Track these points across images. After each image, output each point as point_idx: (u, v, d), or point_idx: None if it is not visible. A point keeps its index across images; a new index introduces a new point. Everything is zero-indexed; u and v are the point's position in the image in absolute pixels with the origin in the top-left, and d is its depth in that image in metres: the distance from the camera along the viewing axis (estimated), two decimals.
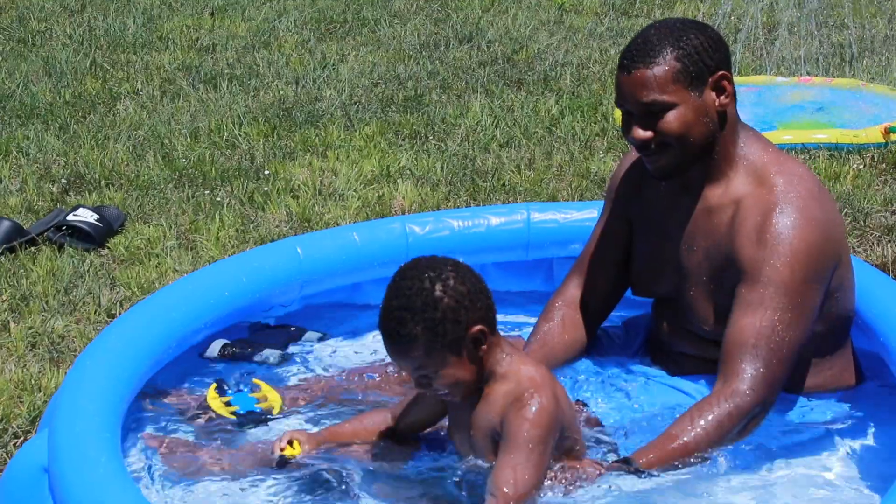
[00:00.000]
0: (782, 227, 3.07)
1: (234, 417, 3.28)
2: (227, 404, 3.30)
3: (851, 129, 5.86)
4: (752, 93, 6.70)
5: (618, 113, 6.31)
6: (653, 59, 3.09)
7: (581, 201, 4.37)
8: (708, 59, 3.12)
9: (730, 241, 3.15)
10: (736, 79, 6.80)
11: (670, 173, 3.20)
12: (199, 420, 3.29)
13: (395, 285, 2.91)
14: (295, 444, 3.05)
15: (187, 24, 8.58)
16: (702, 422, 3.03)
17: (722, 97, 3.14)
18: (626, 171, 3.48)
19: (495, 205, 4.94)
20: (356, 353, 3.78)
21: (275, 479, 3.07)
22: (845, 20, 8.23)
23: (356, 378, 3.51)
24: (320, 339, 3.76)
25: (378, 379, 3.51)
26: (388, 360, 3.03)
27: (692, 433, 3.02)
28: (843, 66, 7.27)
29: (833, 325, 3.27)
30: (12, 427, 3.63)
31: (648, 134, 3.13)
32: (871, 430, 3.30)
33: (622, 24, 8.39)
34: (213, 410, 3.30)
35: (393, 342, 2.87)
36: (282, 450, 3.03)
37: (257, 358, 3.56)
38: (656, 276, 3.40)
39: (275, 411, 3.31)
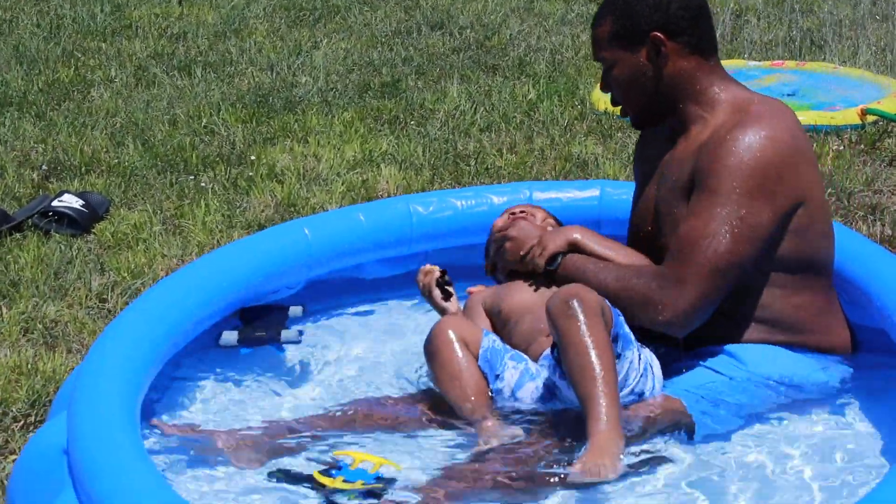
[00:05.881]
0: (741, 141, 3.15)
1: (372, 486, 2.92)
2: (346, 482, 2.93)
3: (828, 110, 5.92)
4: None
5: (595, 96, 6.34)
6: (599, 20, 3.36)
7: (582, 180, 4.37)
8: (643, 21, 3.27)
9: (696, 157, 3.24)
10: None
11: (639, 124, 3.41)
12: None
13: None
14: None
15: (155, 13, 8.52)
16: (622, 272, 3.23)
17: (659, 57, 3.27)
18: (638, 139, 3.62)
19: (499, 184, 4.94)
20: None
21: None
22: (812, 6, 8.33)
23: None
24: (304, 312, 3.71)
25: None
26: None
27: (610, 273, 3.24)
28: (814, 49, 7.34)
29: (802, 270, 3.27)
30: (11, 411, 3.60)
31: (607, 89, 3.39)
32: (866, 399, 3.35)
33: (591, 9, 8.43)
34: (340, 491, 2.92)
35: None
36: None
37: (283, 339, 3.50)
38: (642, 220, 3.44)
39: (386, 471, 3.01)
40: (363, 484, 2.86)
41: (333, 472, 2.90)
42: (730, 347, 3.29)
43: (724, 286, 3.17)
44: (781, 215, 3.19)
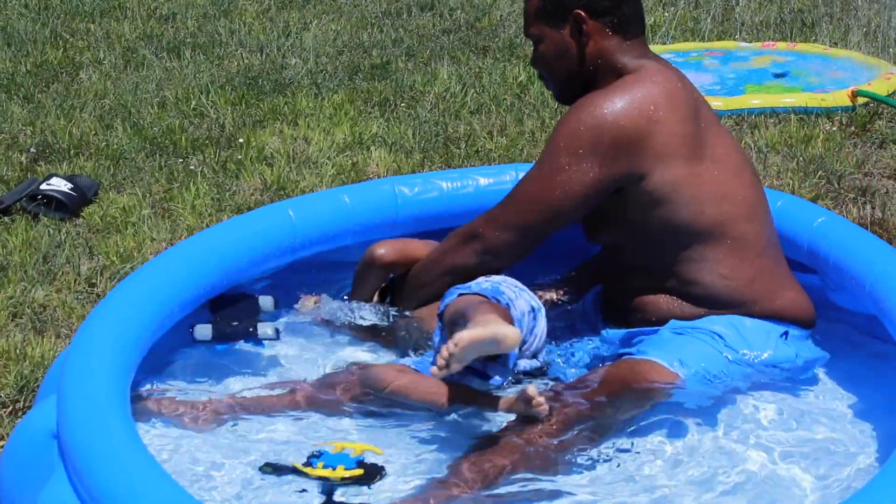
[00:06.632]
0: (587, 105, 3.27)
1: (357, 473, 2.91)
2: (326, 467, 2.93)
3: (818, 92, 5.91)
4: (716, 57, 6.75)
5: None
6: None
7: None
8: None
9: None
10: (701, 44, 6.87)
11: (561, 98, 3.49)
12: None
13: None
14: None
15: None
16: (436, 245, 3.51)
17: (581, 35, 3.35)
18: None
19: (484, 166, 4.93)
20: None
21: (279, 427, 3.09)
22: None
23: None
24: (275, 305, 3.67)
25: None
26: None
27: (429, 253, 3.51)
28: (805, 31, 7.32)
29: (704, 240, 3.28)
30: (0, 396, 3.59)
31: (534, 65, 3.50)
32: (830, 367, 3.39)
33: None
34: (331, 480, 2.89)
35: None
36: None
37: (261, 334, 3.47)
38: None
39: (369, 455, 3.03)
40: (344, 469, 2.87)
41: (313, 460, 2.91)
42: (699, 322, 3.32)
43: (539, 225, 3.35)
44: (616, 180, 3.26)
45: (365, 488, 2.86)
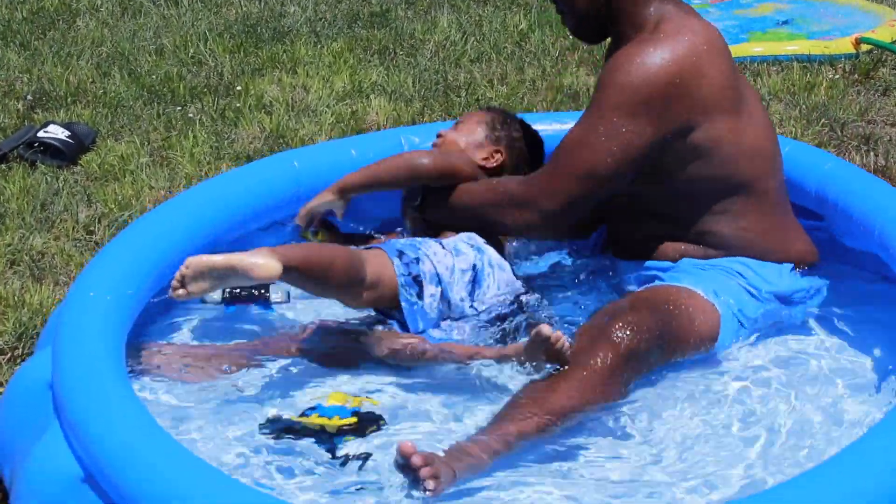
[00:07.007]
0: (635, 59, 3.14)
1: (351, 421, 2.92)
2: (321, 416, 2.94)
3: (822, 39, 5.86)
4: (719, 5, 6.69)
5: None
6: None
7: (576, 111, 4.33)
8: None
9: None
10: None
11: (579, 37, 3.39)
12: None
13: None
14: (320, 234, 3.27)
15: None
16: (484, 186, 3.35)
17: None
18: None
19: None
20: None
21: (273, 374, 3.08)
22: None
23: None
24: (287, 298, 3.63)
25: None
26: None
27: (472, 192, 3.34)
28: None
29: (732, 193, 3.26)
30: None
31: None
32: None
33: None
34: (326, 428, 2.91)
35: None
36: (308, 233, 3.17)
37: (272, 298, 3.43)
38: None
39: (364, 407, 3.02)
40: (339, 419, 2.85)
41: (309, 412, 2.89)
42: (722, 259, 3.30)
43: (592, 195, 3.22)
44: (666, 136, 3.16)
45: (364, 441, 2.84)
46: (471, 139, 3.54)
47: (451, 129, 3.60)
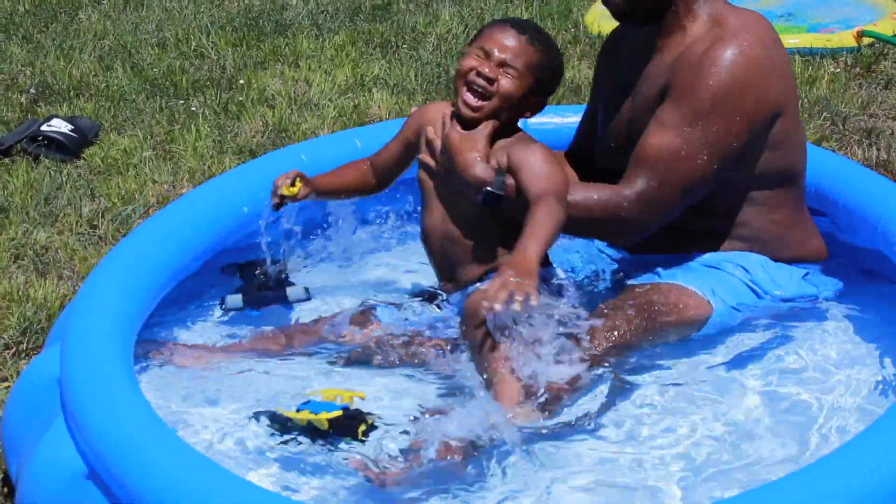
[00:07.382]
0: (719, 58, 3.10)
1: (336, 415, 2.90)
2: (311, 413, 2.93)
3: (824, 32, 5.86)
4: None
5: (588, 19, 6.28)
6: None
7: (578, 105, 4.33)
8: None
9: (669, 72, 3.19)
10: None
11: (620, 13, 3.26)
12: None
13: None
14: (297, 182, 3.23)
15: None
16: (586, 193, 3.13)
17: None
18: (606, 41, 3.58)
19: None
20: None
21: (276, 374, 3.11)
22: None
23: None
24: (306, 295, 3.60)
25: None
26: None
27: (574, 194, 3.12)
28: None
29: (780, 184, 3.28)
30: (3, 338, 3.59)
31: None
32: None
33: None
34: (314, 423, 2.89)
35: None
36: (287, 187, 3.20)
37: (291, 297, 3.44)
38: (615, 133, 3.40)
39: (353, 404, 3.00)
40: (326, 413, 2.85)
41: (301, 406, 2.90)
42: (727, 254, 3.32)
43: (689, 203, 3.20)
44: (759, 131, 3.18)
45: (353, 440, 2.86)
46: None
47: (495, 66, 3.17)
